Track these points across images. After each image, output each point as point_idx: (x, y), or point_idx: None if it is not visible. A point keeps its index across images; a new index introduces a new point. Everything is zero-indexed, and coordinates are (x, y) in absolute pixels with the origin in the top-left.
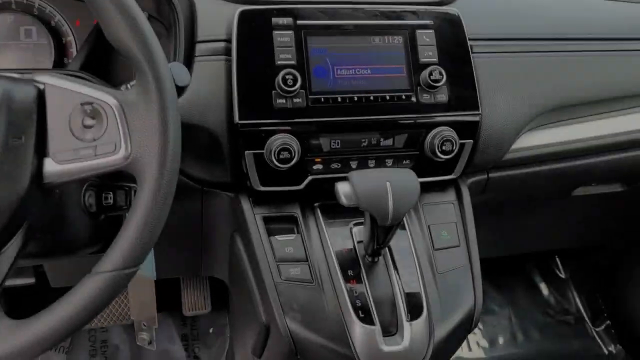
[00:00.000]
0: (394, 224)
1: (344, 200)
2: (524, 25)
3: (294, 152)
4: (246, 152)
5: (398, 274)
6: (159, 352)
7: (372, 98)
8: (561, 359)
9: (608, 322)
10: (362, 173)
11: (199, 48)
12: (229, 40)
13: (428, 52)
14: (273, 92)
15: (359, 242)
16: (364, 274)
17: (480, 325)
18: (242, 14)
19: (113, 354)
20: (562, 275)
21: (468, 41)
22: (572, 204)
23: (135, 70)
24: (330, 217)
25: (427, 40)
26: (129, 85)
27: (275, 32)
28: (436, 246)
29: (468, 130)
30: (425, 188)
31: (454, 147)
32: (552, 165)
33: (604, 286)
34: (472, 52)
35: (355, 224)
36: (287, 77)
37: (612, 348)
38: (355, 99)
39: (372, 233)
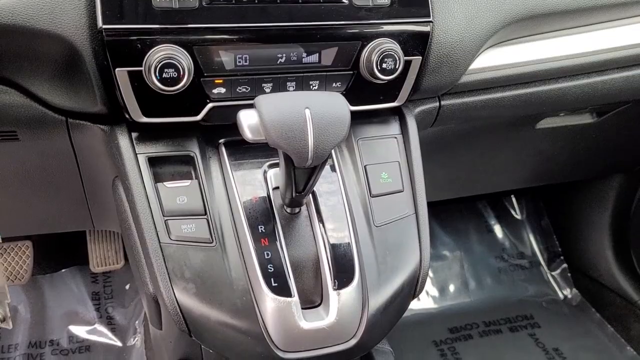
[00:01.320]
0: (317, 164)
1: (248, 134)
2: None
3: (183, 69)
4: (117, 70)
5: (324, 229)
6: (65, 315)
7: None
8: (514, 306)
9: (564, 265)
10: (273, 98)
11: None
12: None
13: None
14: None
15: (274, 188)
16: (280, 231)
17: (430, 272)
18: None
19: None
20: (518, 217)
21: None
22: (534, 138)
23: None
24: (239, 157)
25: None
26: None
27: None
28: (374, 192)
29: (415, 43)
30: (361, 118)
31: (397, 65)
32: (517, 90)
33: (560, 227)
34: None
35: (271, 166)
36: None
37: (567, 292)
38: None
39: (289, 177)
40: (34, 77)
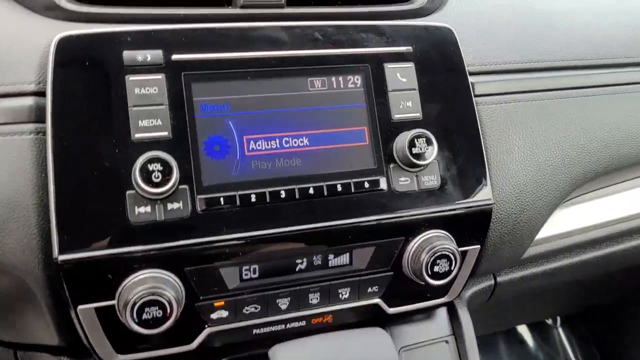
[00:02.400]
0: None
1: None
2: (541, 48)
3: (170, 306)
4: (80, 308)
5: None
6: None
7: (312, 191)
8: None
9: None
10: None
11: None
12: (41, 94)
13: (406, 101)
14: (128, 193)
15: None
16: None
17: None
18: (65, 44)
19: None
20: (552, 323)
21: (469, 77)
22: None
23: None
24: None
25: (403, 81)
26: None
27: (131, 78)
28: None
29: (473, 230)
30: (403, 318)
31: (453, 267)
32: (586, 254)
33: (600, 337)
34: (475, 96)
35: None
36: (151, 165)
37: None
38: (283, 194)
39: None
40: None
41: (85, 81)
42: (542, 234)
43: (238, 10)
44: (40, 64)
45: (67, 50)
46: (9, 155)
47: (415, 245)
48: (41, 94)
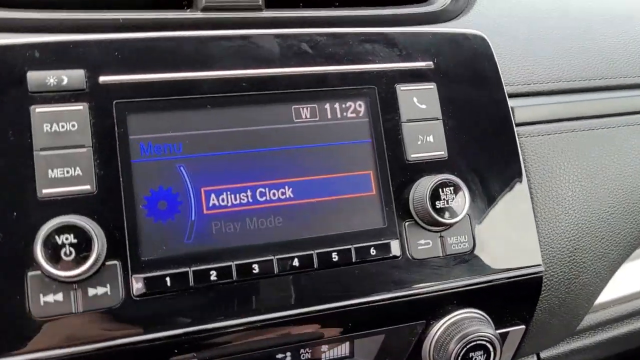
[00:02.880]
0: None
1: None
2: (592, 63)
3: None
4: None
5: None
6: None
7: (296, 262)
8: None
9: None
10: None
11: None
12: None
13: (426, 135)
14: (29, 274)
15: None
16: None
17: None
18: None
19: None
20: None
21: (508, 102)
22: None
23: None
24: None
25: (421, 109)
26: None
27: (38, 110)
28: None
29: (518, 306)
30: None
31: (492, 358)
32: None
33: None
34: (516, 125)
35: None
36: (59, 237)
37: None
38: (256, 269)
39: None
40: None
41: None
42: (600, 298)
43: (199, 14)
44: None
45: None
46: None
47: (440, 331)
48: None
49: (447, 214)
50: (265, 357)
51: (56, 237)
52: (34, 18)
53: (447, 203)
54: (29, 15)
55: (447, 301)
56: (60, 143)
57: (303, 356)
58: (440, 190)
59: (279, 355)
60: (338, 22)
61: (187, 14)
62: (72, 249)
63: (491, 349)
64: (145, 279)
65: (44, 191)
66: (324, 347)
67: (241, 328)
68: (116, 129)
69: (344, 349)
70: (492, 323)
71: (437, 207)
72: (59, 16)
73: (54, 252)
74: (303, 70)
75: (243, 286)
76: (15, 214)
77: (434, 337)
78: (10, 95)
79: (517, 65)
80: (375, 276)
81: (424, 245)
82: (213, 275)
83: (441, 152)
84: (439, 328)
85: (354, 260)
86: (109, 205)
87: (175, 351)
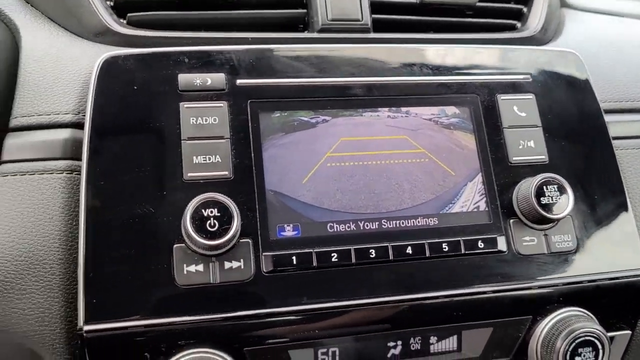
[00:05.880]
0: None
1: None
2: None
3: None
4: None
5: None
6: None
7: (409, 250)
8: None
9: None
10: None
11: (11, 145)
12: (79, 125)
13: (527, 140)
14: (175, 246)
15: None
16: None
17: None
18: (109, 66)
19: None
20: None
21: (604, 115)
22: None
23: None
24: None
25: (521, 116)
26: None
27: (186, 106)
28: None
29: (623, 308)
30: None
31: (601, 357)
32: None
33: None
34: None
35: None
36: (205, 210)
37: None
38: (373, 253)
39: None
40: None
41: (131, 109)
42: None
43: (315, 35)
44: (82, 93)
45: (112, 73)
46: (36, 197)
47: (547, 328)
48: (78, 125)
49: (552, 210)
50: (378, 345)
51: (202, 210)
52: (187, 37)
53: (552, 200)
54: (183, 35)
55: (552, 298)
56: (204, 134)
57: (412, 347)
58: (544, 187)
59: (391, 344)
60: (439, 43)
61: (305, 35)
62: (215, 221)
63: (600, 346)
64: (273, 257)
65: (189, 174)
66: (433, 339)
67: (356, 308)
68: (250, 123)
69: (451, 342)
70: (599, 323)
71: (542, 203)
72: (202, 35)
73: (200, 223)
74: (414, 79)
75: (360, 270)
76: (165, 192)
77: (540, 333)
78: (164, 93)
79: (608, 83)
80: (483, 269)
81: (528, 242)
82: (334, 258)
83: (542, 157)
84: (545, 324)
85: (463, 251)
86: (243, 190)
87: (297, 326)
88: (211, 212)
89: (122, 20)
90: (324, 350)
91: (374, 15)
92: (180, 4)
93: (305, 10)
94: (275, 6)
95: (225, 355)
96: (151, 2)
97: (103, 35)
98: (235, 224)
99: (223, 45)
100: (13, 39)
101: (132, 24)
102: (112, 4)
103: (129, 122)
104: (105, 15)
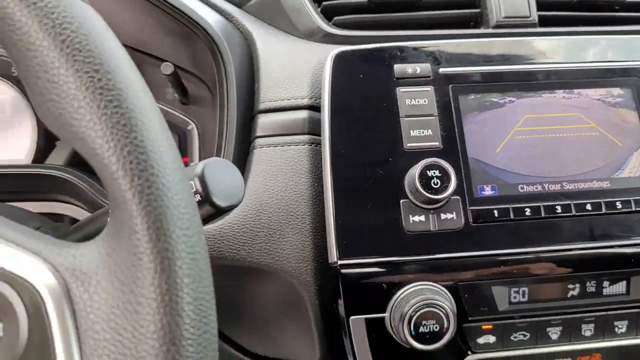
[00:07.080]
0: None
1: None
2: None
3: (448, 320)
4: (352, 318)
5: None
6: None
7: (589, 207)
8: None
9: None
10: None
11: (262, 123)
12: (316, 108)
13: None
14: (402, 201)
15: None
16: None
17: None
18: (340, 59)
19: None
20: None
21: None
22: None
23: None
24: None
25: None
26: None
27: (402, 90)
28: None
29: None
30: None
31: None
32: None
33: None
34: None
35: None
36: (428, 172)
37: None
38: (559, 209)
39: None
40: (229, 323)
41: (359, 93)
42: None
43: (490, 31)
44: (312, 82)
45: (342, 65)
46: (286, 164)
47: None
48: (313, 107)
49: None
50: (559, 288)
51: (427, 171)
52: (384, 36)
53: None
54: (381, 34)
55: None
56: (417, 112)
57: (588, 289)
58: None
59: (570, 286)
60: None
61: (481, 31)
62: (438, 180)
63: None
64: (478, 211)
65: (408, 145)
66: (605, 284)
67: (545, 255)
68: (452, 104)
69: (621, 287)
70: None
71: None
72: (398, 34)
73: (426, 181)
74: (583, 65)
75: (549, 222)
76: (390, 159)
77: None
78: (384, 80)
79: None
80: None
81: None
82: (527, 212)
83: None
84: None
85: (634, 208)
86: (451, 157)
87: (498, 268)
88: (434, 172)
89: (330, 23)
90: (516, 289)
91: (538, 13)
92: (373, 7)
93: (479, 10)
94: (452, 7)
95: (443, 288)
96: (349, 6)
97: (316, 35)
98: (453, 183)
99: (416, 39)
100: (247, 43)
101: (337, 25)
102: (320, 9)
103: (358, 104)
104: (318, 20)
